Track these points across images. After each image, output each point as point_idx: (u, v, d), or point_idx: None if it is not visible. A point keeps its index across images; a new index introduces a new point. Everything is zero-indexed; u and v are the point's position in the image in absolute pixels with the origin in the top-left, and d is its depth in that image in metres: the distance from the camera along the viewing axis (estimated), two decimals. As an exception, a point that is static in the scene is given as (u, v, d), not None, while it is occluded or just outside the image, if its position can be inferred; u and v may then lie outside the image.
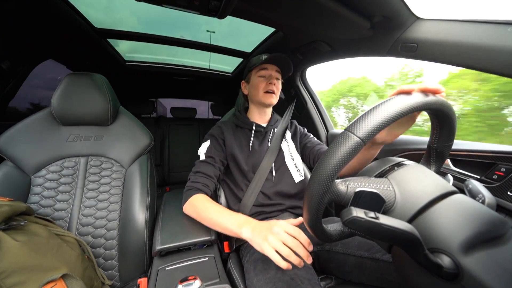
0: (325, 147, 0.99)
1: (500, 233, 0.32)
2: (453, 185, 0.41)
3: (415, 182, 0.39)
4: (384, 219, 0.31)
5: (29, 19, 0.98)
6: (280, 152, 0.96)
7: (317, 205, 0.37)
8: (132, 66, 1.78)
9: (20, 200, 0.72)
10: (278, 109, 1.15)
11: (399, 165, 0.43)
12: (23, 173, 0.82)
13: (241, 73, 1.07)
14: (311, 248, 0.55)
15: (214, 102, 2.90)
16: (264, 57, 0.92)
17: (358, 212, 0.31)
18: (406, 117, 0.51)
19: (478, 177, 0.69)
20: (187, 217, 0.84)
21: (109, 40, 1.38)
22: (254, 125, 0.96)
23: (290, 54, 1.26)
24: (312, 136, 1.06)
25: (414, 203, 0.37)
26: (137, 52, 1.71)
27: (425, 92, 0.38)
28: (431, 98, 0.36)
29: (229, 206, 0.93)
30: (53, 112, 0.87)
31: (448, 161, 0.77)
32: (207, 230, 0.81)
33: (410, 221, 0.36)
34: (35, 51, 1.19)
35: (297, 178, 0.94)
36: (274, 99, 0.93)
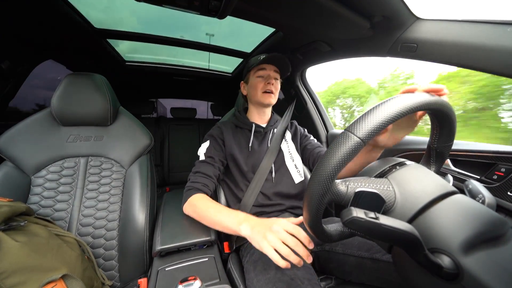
0: (324, 149, 0.99)
1: (500, 233, 0.32)
2: (453, 185, 0.41)
3: (415, 182, 0.39)
4: (384, 219, 0.31)
5: (29, 19, 0.98)
6: (280, 152, 0.96)
7: (317, 205, 0.37)
8: (132, 66, 1.78)
9: (20, 201, 0.72)
10: (278, 109, 1.15)
11: (399, 165, 0.43)
12: (23, 174, 0.82)
13: (241, 73, 1.07)
14: (311, 246, 0.54)
15: (214, 102, 2.90)
16: (262, 57, 0.92)
17: (358, 213, 0.31)
18: (408, 120, 0.51)
19: (478, 177, 0.69)
20: (187, 217, 0.84)
21: (109, 40, 1.38)
22: (253, 125, 0.96)
23: (290, 54, 1.26)
24: (312, 137, 1.06)
25: (414, 203, 0.37)
26: (137, 52, 1.70)
27: (428, 92, 0.38)
28: (431, 98, 0.36)
29: (229, 206, 0.93)
30: (53, 112, 0.87)
31: (448, 161, 0.77)
32: (207, 230, 0.81)
33: (410, 221, 0.36)
34: (35, 51, 1.19)
35: (297, 178, 0.94)
36: (273, 99, 0.93)
